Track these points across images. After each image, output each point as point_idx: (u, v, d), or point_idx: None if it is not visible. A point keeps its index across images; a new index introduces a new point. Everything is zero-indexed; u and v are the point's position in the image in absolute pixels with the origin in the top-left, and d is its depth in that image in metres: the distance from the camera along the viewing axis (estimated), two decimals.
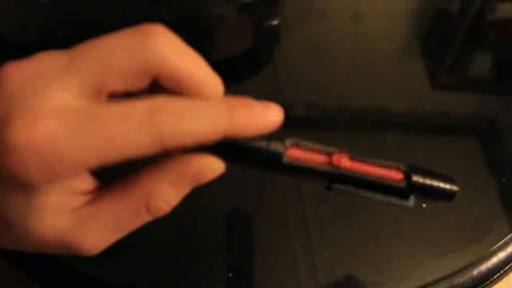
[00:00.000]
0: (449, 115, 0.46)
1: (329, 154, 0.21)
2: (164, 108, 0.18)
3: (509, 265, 0.35)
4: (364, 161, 0.22)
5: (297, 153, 0.21)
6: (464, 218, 0.37)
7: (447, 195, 0.22)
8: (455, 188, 0.22)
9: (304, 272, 0.34)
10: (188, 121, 0.18)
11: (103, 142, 0.17)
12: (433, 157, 0.40)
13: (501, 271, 0.35)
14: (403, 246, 0.35)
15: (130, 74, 0.18)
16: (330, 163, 0.21)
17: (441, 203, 0.38)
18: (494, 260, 0.35)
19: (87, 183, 0.19)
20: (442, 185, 0.22)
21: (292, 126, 0.23)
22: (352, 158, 0.21)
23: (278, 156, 0.21)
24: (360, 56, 0.51)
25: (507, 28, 0.57)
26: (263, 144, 0.21)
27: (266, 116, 0.20)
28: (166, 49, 0.18)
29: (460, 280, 0.34)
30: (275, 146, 0.21)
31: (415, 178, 0.21)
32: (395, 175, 0.22)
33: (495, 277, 0.35)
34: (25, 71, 0.17)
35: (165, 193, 0.19)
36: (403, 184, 0.22)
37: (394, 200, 0.23)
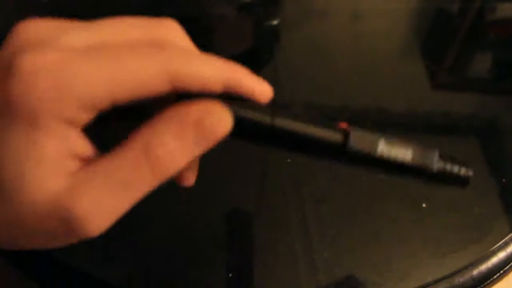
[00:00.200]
0: (449, 115, 0.46)
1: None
2: (173, 47, 0.19)
3: (509, 265, 0.35)
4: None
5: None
6: (464, 218, 0.37)
7: (462, 181, 0.22)
8: (470, 173, 0.22)
9: (304, 272, 0.34)
10: (194, 61, 0.19)
11: (113, 70, 0.17)
12: None
13: (501, 271, 0.35)
14: (403, 246, 0.35)
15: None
16: None
17: (441, 203, 0.38)
18: (494, 260, 0.35)
19: (85, 146, 0.18)
20: (456, 170, 0.22)
21: None
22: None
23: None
24: (360, 56, 0.51)
25: (507, 28, 0.57)
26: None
27: (262, 82, 0.21)
28: (180, 51, 0.19)
29: (460, 280, 0.34)
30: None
31: (434, 165, 0.21)
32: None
33: (495, 277, 0.35)
34: (42, 24, 0.18)
35: (165, 141, 0.18)
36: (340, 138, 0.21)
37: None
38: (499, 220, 0.37)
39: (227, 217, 0.37)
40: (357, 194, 0.38)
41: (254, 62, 0.49)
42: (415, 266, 0.34)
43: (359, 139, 0.21)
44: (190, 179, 0.24)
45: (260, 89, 0.21)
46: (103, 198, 0.17)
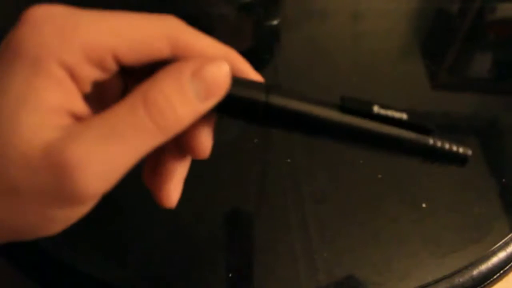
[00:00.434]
0: (449, 115, 0.46)
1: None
2: (176, 20, 0.19)
3: (509, 265, 0.35)
4: None
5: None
6: (464, 218, 0.37)
7: (460, 159, 0.21)
8: (468, 152, 0.21)
9: (304, 272, 0.34)
10: (195, 33, 0.19)
11: (116, 23, 0.17)
12: None
13: (501, 271, 0.35)
14: (403, 246, 0.35)
15: (144, 41, 0.18)
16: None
17: (441, 203, 0.38)
18: (494, 260, 0.35)
19: (84, 108, 0.18)
20: (455, 148, 0.21)
21: None
22: None
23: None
24: (360, 56, 0.51)
25: (507, 28, 0.57)
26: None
27: (252, 70, 0.21)
28: (181, 24, 0.19)
29: (460, 280, 0.34)
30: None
31: (431, 140, 0.21)
32: None
33: (495, 277, 0.35)
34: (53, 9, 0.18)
35: (164, 89, 0.17)
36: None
37: None
38: (499, 220, 0.37)
39: (227, 217, 0.37)
40: (357, 194, 0.38)
41: (254, 62, 0.49)
42: (415, 266, 0.34)
43: (354, 101, 0.21)
44: (168, 201, 0.23)
45: (252, 74, 0.21)
46: (97, 147, 0.16)
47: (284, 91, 0.20)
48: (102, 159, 0.16)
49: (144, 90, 0.17)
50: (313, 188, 0.38)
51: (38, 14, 0.17)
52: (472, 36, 0.56)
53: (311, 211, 0.37)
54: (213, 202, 0.37)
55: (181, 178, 0.23)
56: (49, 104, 0.16)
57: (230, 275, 0.33)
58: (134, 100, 0.17)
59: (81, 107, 0.17)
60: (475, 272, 0.34)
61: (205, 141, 0.21)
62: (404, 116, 0.21)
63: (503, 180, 0.40)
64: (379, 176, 0.39)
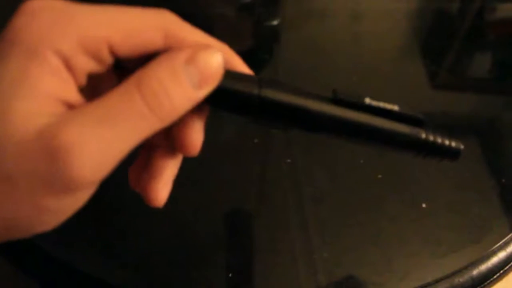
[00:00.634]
0: (449, 114, 0.46)
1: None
2: (171, 14, 0.19)
3: (509, 265, 0.35)
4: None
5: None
6: (464, 218, 0.37)
7: (452, 154, 0.21)
8: (460, 146, 0.22)
9: (304, 272, 0.34)
10: (189, 27, 0.19)
11: (112, 15, 0.18)
12: None
13: (501, 271, 0.35)
14: (403, 246, 0.35)
15: (138, 32, 0.18)
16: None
17: (441, 203, 0.38)
18: (494, 260, 0.35)
19: (78, 98, 0.18)
20: (447, 142, 0.21)
21: None
22: None
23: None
24: (360, 56, 0.51)
25: (507, 28, 0.57)
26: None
27: (244, 66, 0.21)
28: (174, 17, 0.19)
29: (460, 280, 0.34)
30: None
31: (423, 133, 0.21)
32: None
33: (495, 277, 0.35)
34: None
35: (158, 74, 0.17)
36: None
37: None
38: (498, 220, 0.37)
39: (227, 217, 0.37)
40: (357, 194, 0.38)
41: (254, 62, 0.49)
42: (415, 266, 0.34)
43: (347, 92, 0.21)
44: (156, 200, 0.22)
45: (244, 69, 0.21)
46: (91, 131, 0.16)
47: (277, 84, 0.20)
48: (96, 144, 0.16)
49: (139, 77, 0.17)
50: (313, 188, 0.38)
51: (36, 5, 0.17)
52: (472, 36, 0.56)
53: (311, 211, 0.37)
54: (213, 202, 0.37)
55: (171, 177, 0.23)
56: (44, 91, 0.16)
57: (230, 275, 0.33)
58: (128, 86, 0.17)
59: (75, 96, 0.17)
60: (475, 272, 0.34)
61: (195, 137, 0.21)
62: (395, 107, 0.21)
63: (503, 180, 0.40)
64: (379, 176, 0.39)
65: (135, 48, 0.18)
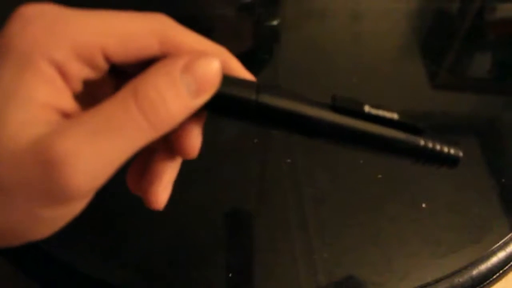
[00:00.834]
0: (449, 114, 0.46)
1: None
2: (166, 17, 0.19)
3: (509, 265, 0.35)
4: None
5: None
6: (464, 218, 0.37)
7: (451, 161, 0.21)
8: (459, 153, 0.21)
9: (304, 272, 0.34)
10: (184, 30, 0.19)
11: (105, 21, 0.17)
12: None
13: (501, 271, 0.35)
14: (403, 246, 0.35)
15: (133, 37, 0.18)
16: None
17: (441, 203, 0.38)
18: (494, 260, 0.35)
19: (73, 105, 0.17)
20: (446, 149, 0.21)
21: None
22: None
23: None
24: (360, 56, 0.51)
25: (507, 28, 0.57)
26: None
27: (243, 70, 0.21)
28: (170, 22, 0.19)
29: (460, 280, 0.34)
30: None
31: (421, 141, 0.21)
32: None
33: (494, 277, 0.35)
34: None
35: (155, 83, 0.17)
36: None
37: None
38: (498, 220, 0.37)
39: (227, 217, 0.37)
40: (357, 194, 0.38)
41: (254, 62, 0.49)
42: (415, 266, 0.34)
43: (345, 101, 0.20)
44: (156, 202, 0.22)
45: (244, 74, 0.21)
46: (86, 142, 0.15)
47: (275, 89, 0.20)
48: (92, 155, 0.16)
49: (135, 85, 0.17)
50: (313, 188, 0.38)
51: (29, 12, 0.17)
52: (472, 36, 0.56)
53: (311, 211, 0.37)
54: (213, 202, 0.37)
55: (170, 180, 0.23)
56: (38, 100, 0.16)
57: (230, 275, 0.33)
58: (125, 95, 0.16)
59: (70, 104, 0.17)
60: (474, 272, 0.34)
61: (194, 141, 0.21)
62: (395, 116, 0.21)
63: (503, 180, 0.40)
64: (379, 176, 0.39)
65: (130, 54, 0.18)
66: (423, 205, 0.37)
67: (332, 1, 0.58)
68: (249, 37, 0.53)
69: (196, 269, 0.34)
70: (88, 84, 0.18)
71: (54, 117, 0.16)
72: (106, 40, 0.17)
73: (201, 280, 0.33)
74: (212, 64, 0.18)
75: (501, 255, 0.35)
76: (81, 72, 0.17)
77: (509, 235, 0.36)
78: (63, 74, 0.17)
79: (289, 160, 0.40)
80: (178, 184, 0.23)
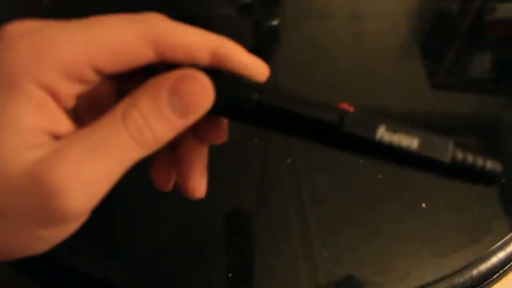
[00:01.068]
0: (449, 115, 0.46)
1: None
2: (157, 17, 0.18)
3: (509, 265, 0.35)
4: None
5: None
6: (464, 218, 0.37)
7: (487, 177, 0.18)
8: (497, 168, 0.19)
9: (304, 272, 0.34)
10: (178, 28, 0.18)
11: (92, 33, 0.17)
12: None
13: (501, 271, 0.35)
14: (403, 246, 0.35)
15: (123, 47, 0.17)
16: None
17: (441, 203, 0.38)
18: (494, 260, 0.35)
19: (66, 124, 0.17)
20: (481, 162, 0.18)
21: None
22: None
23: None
24: (360, 56, 0.51)
25: (507, 28, 0.57)
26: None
27: (255, 59, 0.20)
28: (163, 22, 0.18)
29: (460, 280, 0.34)
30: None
31: (456, 153, 0.18)
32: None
33: (494, 277, 0.35)
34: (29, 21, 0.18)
35: (140, 105, 0.17)
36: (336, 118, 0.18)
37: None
38: (498, 220, 0.37)
39: (227, 217, 0.37)
40: (357, 194, 0.38)
41: None
42: (415, 266, 0.34)
43: (356, 120, 0.18)
44: (198, 190, 0.23)
45: (254, 64, 0.20)
46: (81, 165, 0.16)
47: (276, 92, 0.19)
48: (87, 177, 0.16)
49: (123, 108, 0.17)
50: (313, 188, 0.38)
51: (12, 32, 0.17)
52: (472, 36, 0.56)
53: (311, 211, 0.37)
54: (213, 202, 0.37)
55: (204, 164, 0.23)
56: (28, 125, 0.16)
57: (230, 275, 0.33)
58: (114, 117, 0.17)
59: (64, 123, 0.17)
60: (474, 272, 0.34)
61: (223, 127, 0.21)
62: (414, 143, 0.18)
63: (503, 180, 0.40)
64: (379, 176, 0.39)
65: (121, 65, 0.17)
66: (423, 205, 0.37)
67: (332, 1, 0.58)
68: (249, 37, 0.53)
69: (196, 269, 0.34)
70: (83, 96, 0.18)
71: (47, 139, 0.17)
72: (94, 54, 0.17)
73: (201, 280, 0.33)
74: (200, 84, 0.18)
75: (501, 255, 0.35)
76: (72, 89, 0.17)
77: (509, 235, 0.36)
78: (54, 95, 0.17)
79: (289, 160, 0.40)
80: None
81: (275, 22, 0.54)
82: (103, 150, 0.16)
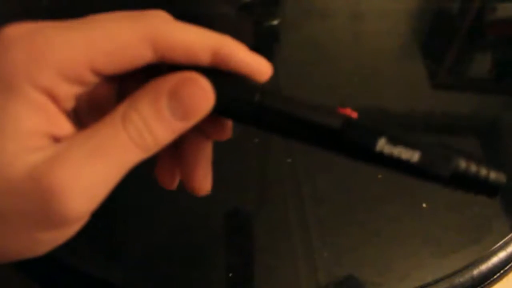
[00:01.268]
0: (449, 114, 0.46)
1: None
2: (156, 15, 0.18)
3: (509, 265, 0.35)
4: None
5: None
6: (464, 218, 0.37)
7: (490, 188, 0.18)
8: (501, 179, 0.18)
9: (304, 272, 0.34)
10: (178, 27, 0.18)
11: (89, 34, 0.17)
12: None
13: (501, 271, 0.35)
14: (403, 246, 0.35)
15: (120, 49, 0.17)
16: None
17: (441, 203, 0.38)
18: (495, 260, 0.35)
19: (66, 127, 0.17)
20: (484, 173, 0.18)
21: None
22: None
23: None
24: (361, 56, 0.51)
25: (507, 28, 0.57)
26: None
27: (258, 58, 0.19)
28: (163, 21, 0.18)
29: (461, 280, 0.34)
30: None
31: (460, 162, 0.18)
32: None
33: (495, 277, 0.35)
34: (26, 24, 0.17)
35: (139, 108, 0.17)
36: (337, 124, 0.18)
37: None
38: (499, 220, 0.37)
39: (227, 217, 0.37)
40: (357, 194, 0.38)
41: None
42: (415, 266, 0.34)
43: (357, 130, 0.18)
44: (204, 187, 0.23)
45: (256, 63, 0.19)
46: (82, 168, 0.16)
47: (278, 94, 0.19)
48: (87, 180, 0.16)
49: (123, 110, 0.17)
50: (313, 188, 0.38)
51: (9, 35, 0.16)
52: (472, 36, 0.56)
53: (311, 211, 0.37)
54: (213, 202, 0.37)
55: (209, 160, 0.22)
56: (29, 129, 0.16)
57: (230, 275, 0.33)
58: (113, 119, 0.17)
59: (63, 126, 0.17)
60: (475, 272, 0.34)
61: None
62: (415, 156, 0.18)
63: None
64: (379, 176, 0.39)
65: (121, 66, 0.17)
66: (424, 205, 0.37)
67: (332, 1, 0.58)
68: (249, 36, 0.53)
69: (196, 269, 0.33)
70: (83, 97, 0.18)
71: (47, 142, 0.17)
72: (92, 55, 0.17)
73: (201, 280, 0.33)
74: (201, 88, 0.18)
75: (501, 255, 0.35)
76: (71, 91, 0.17)
77: (510, 235, 0.36)
78: (53, 97, 0.17)
79: (289, 160, 0.40)
80: (178, 184, 0.23)
81: (275, 22, 0.54)
82: (103, 153, 0.16)
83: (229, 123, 0.21)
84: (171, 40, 0.18)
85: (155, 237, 0.35)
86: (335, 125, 0.18)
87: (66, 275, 0.34)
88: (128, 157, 0.17)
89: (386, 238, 0.35)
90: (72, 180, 0.16)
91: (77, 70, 0.17)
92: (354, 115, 0.19)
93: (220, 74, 0.19)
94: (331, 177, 0.39)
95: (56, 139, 0.17)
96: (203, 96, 0.18)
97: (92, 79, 0.17)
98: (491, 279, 0.35)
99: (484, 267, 0.34)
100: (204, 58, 0.18)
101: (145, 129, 0.17)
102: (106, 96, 0.20)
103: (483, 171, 0.18)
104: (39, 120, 0.16)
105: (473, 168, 0.18)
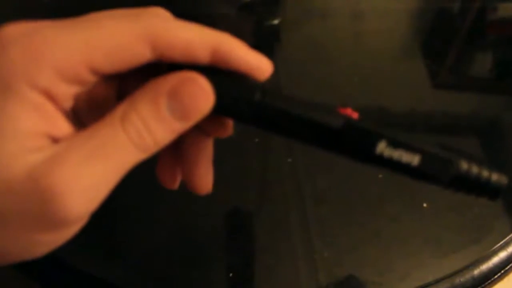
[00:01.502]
0: (449, 114, 0.46)
1: None
2: (154, 14, 0.18)
3: (510, 265, 0.35)
4: None
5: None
6: (465, 218, 0.37)
7: (492, 190, 0.18)
8: (503, 181, 0.18)
9: (304, 272, 0.34)
10: (176, 25, 0.18)
11: (87, 33, 0.16)
12: None
13: (502, 271, 0.35)
14: (404, 246, 0.35)
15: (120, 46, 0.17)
16: None
17: (442, 203, 0.38)
18: (495, 259, 0.35)
19: (65, 127, 0.17)
20: (486, 175, 0.17)
21: None
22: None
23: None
24: (361, 56, 0.51)
25: (508, 27, 0.57)
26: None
27: (258, 56, 0.19)
28: (161, 20, 0.18)
29: (461, 280, 0.34)
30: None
31: (461, 165, 0.18)
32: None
33: (496, 276, 0.35)
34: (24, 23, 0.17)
35: (139, 108, 0.17)
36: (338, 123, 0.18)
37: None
38: (499, 220, 0.37)
39: (227, 217, 0.37)
40: (357, 194, 0.38)
41: None
42: (416, 266, 0.34)
43: (357, 132, 0.18)
44: (205, 186, 0.22)
45: (256, 60, 0.19)
46: (81, 169, 0.16)
47: (278, 93, 0.19)
48: (87, 181, 0.16)
49: (122, 111, 0.17)
50: (314, 187, 0.38)
51: (7, 34, 0.16)
52: (473, 35, 0.56)
53: (312, 211, 0.37)
54: (214, 202, 0.37)
55: (210, 158, 0.22)
56: (27, 129, 0.16)
57: (230, 275, 0.33)
58: (113, 120, 0.17)
59: (62, 127, 0.17)
60: (476, 272, 0.34)
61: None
62: (415, 160, 0.18)
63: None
64: (380, 176, 0.39)
65: (119, 65, 0.17)
66: (424, 205, 0.37)
67: (333, 1, 0.58)
68: (250, 36, 0.53)
69: (196, 269, 0.33)
70: (82, 97, 0.18)
71: (45, 142, 0.16)
72: (90, 55, 0.16)
73: (201, 280, 0.33)
74: (200, 88, 0.18)
75: (502, 255, 0.35)
76: (69, 91, 0.17)
77: (510, 235, 0.36)
78: (51, 97, 0.16)
79: (290, 160, 0.40)
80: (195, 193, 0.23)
81: (275, 22, 0.54)
82: (102, 154, 0.16)
83: (230, 121, 0.21)
84: (170, 38, 0.17)
85: (155, 237, 0.35)
86: (336, 126, 0.18)
87: (66, 275, 0.34)
88: (128, 157, 0.17)
89: (387, 238, 0.35)
90: (71, 181, 0.16)
91: (76, 70, 0.16)
92: (355, 115, 0.19)
93: (219, 73, 0.19)
94: (332, 177, 0.39)
95: (55, 140, 0.17)
96: (202, 96, 0.18)
97: (91, 78, 0.17)
98: (492, 279, 0.35)
99: (485, 267, 0.34)
100: (204, 56, 0.18)
101: (144, 129, 0.17)
102: (105, 95, 0.20)
103: (485, 174, 0.18)
104: (38, 120, 0.16)
105: (474, 170, 0.18)
